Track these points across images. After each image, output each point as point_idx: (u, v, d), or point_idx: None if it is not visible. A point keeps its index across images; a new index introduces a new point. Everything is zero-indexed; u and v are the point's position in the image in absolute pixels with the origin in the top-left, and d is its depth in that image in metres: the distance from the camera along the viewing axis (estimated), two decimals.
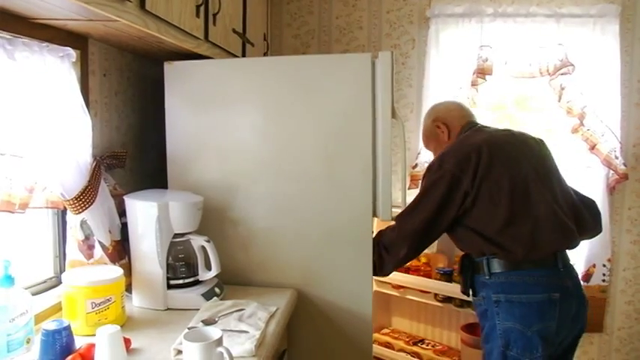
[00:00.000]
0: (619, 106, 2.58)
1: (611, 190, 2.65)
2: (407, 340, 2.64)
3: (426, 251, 2.50)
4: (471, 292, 1.75)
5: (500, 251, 1.61)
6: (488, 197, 1.61)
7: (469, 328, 2.37)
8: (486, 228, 1.63)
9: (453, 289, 2.34)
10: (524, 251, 1.58)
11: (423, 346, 2.58)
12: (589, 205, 1.81)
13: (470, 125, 1.84)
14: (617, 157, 2.58)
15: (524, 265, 1.59)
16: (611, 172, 2.61)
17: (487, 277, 1.63)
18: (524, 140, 1.77)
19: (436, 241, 2.48)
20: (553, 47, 2.57)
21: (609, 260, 2.67)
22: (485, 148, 1.66)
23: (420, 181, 1.79)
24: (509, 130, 1.83)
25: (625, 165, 2.59)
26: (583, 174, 2.63)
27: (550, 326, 1.55)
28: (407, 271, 2.52)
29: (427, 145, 2.01)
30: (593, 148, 2.59)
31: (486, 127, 1.85)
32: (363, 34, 2.83)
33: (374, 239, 1.78)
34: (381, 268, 1.77)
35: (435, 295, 2.45)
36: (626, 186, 2.70)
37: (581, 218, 1.73)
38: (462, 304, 2.35)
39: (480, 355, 1.69)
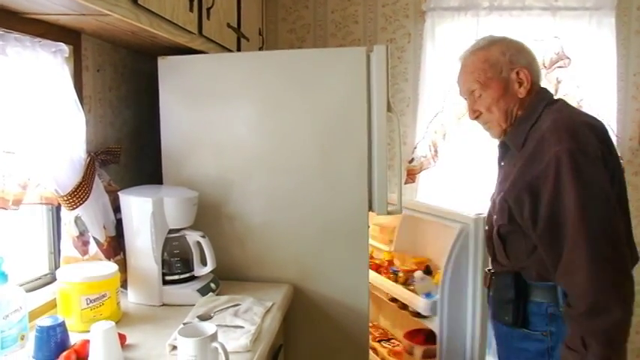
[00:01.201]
0: (615, 100, 2.58)
1: None
2: (376, 335, 2.60)
3: (387, 249, 2.47)
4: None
5: None
6: None
7: (412, 335, 2.32)
8: None
9: (395, 290, 2.26)
10: None
11: (386, 344, 2.54)
12: None
13: (549, 94, 1.41)
14: None
15: None
16: None
17: (561, 308, 1.26)
18: None
19: (395, 241, 2.42)
20: (549, 40, 2.56)
21: None
22: (605, 129, 1.30)
23: (540, 192, 1.23)
24: None
25: (621, 158, 2.58)
26: None
27: None
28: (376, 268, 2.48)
29: (477, 86, 1.38)
30: None
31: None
32: (359, 29, 2.82)
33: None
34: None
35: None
36: None
37: None
38: (404, 306, 2.26)
39: None
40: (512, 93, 1.36)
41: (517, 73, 1.36)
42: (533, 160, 1.26)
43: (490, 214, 1.47)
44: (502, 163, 1.47)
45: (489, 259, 1.51)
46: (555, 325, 1.29)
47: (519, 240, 1.33)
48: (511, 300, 1.35)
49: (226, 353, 1.10)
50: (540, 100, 1.37)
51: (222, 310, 1.47)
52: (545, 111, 1.34)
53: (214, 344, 1.11)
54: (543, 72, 2.57)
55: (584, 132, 1.22)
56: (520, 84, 1.36)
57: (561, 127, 1.25)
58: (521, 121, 1.36)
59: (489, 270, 1.49)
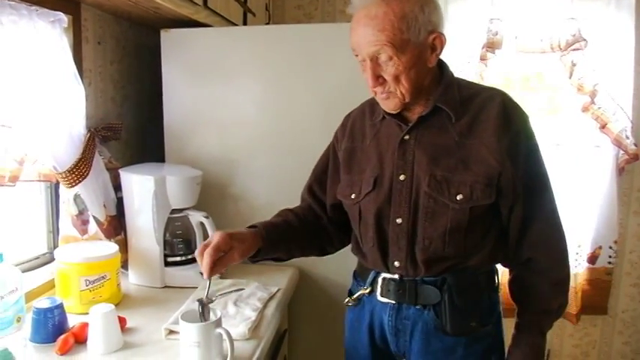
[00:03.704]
0: (631, 85, 2.50)
1: (620, 170, 2.58)
2: None
3: None
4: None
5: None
6: None
7: None
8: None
9: None
10: None
11: None
12: None
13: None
14: (627, 137, 2.50)
15: None
16: (621, 152, 2.54)
17: (498, 293, 1.23)
18: None
19: None
20: (565, 22, 2.47)
21: (616, 242, 2.62)
22: None
23: (516, 158, 1.12)
24: None
25: (635, 145, 2.51)
26: (592, 153, 2.56)
27: None
28: None
29: (388, 50, 1.07)
30: (603, 127, 2.51)
31: None
32: None
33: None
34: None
35: None
36: (635, 167, 2.63)
37: None
38: None
39: None
40: (424, 61, 1.12)
41: (434, 39, 1.10)
42: (502, 128, 1.11)
43: (431, 197, 1.12)
44: (406, 137, 1.16)
45: (396, 262, 1.18)
46: (496, 313, 1.20)
47: (483, 220, 1.13)
48: (481, 299, 1.16)
49: (231, 339, 1.06)
50: (446, 66, 1.21)
51: (225, 294, 1.43)
52: (457, 79, 1.21)
53: (219, 330, 1.07)
54: (558, 54, 2.50)
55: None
56: (433, 50, 1.11)
57: (513, 99, 1.17)
58: (447, 89, 1.16)
59: (407, 278, 1.16)
